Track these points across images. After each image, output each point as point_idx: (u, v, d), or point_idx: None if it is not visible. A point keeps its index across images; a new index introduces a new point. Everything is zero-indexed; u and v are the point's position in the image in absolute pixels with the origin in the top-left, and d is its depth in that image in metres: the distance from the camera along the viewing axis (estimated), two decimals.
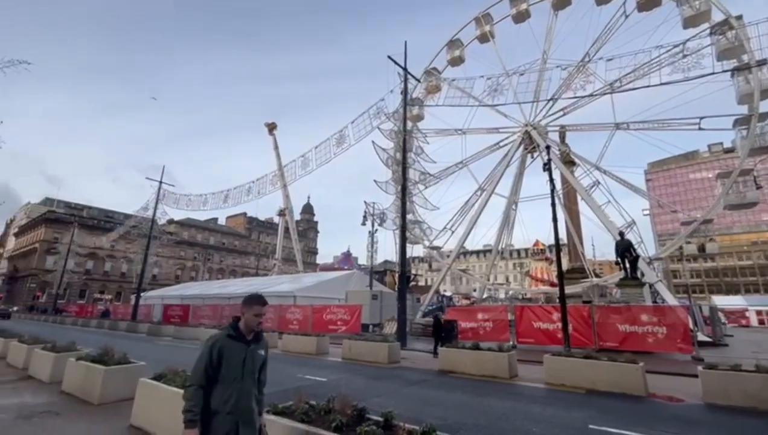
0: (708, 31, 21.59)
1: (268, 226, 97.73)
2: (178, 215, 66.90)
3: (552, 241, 14.89)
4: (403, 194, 19.13)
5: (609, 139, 26.39)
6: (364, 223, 24.57)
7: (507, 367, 10.31)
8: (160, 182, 36.81)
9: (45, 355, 9.23)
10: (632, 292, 18.85)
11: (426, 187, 21.36)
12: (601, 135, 27.11)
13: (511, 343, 16.14)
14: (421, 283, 71.34)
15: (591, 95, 24.79)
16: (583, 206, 27.74)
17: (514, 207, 31.54)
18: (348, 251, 58.29)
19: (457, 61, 31.75)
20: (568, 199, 30.28)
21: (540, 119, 29.41)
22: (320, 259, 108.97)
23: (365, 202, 18.00)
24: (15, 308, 55.11)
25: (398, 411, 3.96)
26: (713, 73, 20.41)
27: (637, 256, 20.02)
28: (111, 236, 50.96)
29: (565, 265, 23.18)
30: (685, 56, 21.16)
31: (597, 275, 30.98)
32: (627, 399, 8.01)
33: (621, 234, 20.94)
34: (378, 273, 36.65)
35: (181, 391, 5.02)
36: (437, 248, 31.39)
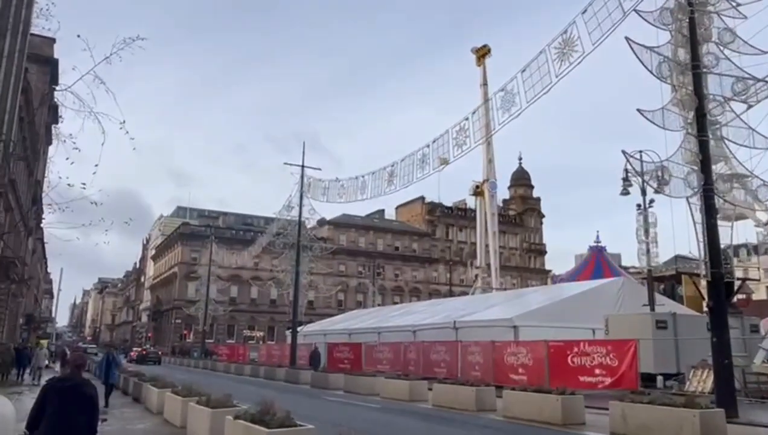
0: None
1: (460, 216, 69.11)
2: (330, 212, 44.07)
3: None
4: (701, 125, 10.22)
5: None
6: (625, 192, 15.20)
7: None
8: (302, 166, 26.29)
9: (201, 410, 7.90)
10: None
11: (750, 106, 11.13)
12: None
13: None
14: (761, 295, 39.10)
15: None
16: None
17: None
18: (597, 244, 34.56)
19: None
20: None
21: None
22: (550, 262, 77.33)
23: (624, 154, 9.80)
24: (160, 351, 48.60)
25: None
26: None
27: None
28: (253, 250, 39.60)
29: None
30: None
31: None
32: None
33: None
34: (661, 280, 22.75)
35: None
36: None
